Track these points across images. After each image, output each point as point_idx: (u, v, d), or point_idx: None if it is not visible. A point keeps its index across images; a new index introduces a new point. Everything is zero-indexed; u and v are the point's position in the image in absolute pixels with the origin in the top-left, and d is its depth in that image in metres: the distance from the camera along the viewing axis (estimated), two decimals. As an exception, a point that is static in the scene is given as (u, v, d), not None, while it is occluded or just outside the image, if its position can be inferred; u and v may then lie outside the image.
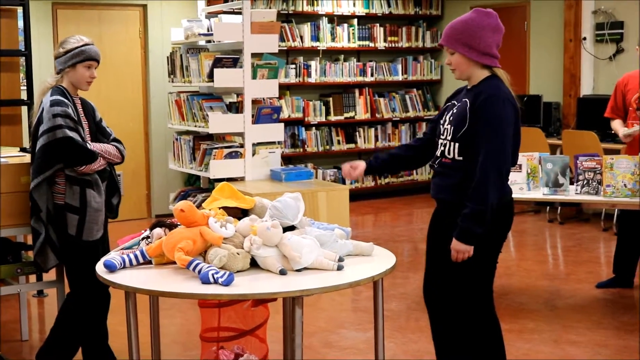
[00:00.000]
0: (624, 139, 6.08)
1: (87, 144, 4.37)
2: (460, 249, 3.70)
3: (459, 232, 3.69)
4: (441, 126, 3.89)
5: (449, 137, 3.79)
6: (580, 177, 5.64)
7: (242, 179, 7.19)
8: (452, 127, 3.77)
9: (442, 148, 3.82)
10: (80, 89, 4.51)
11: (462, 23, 3.78)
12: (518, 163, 5.73)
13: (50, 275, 5.23)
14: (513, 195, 5.41)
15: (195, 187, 8.60)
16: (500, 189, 3.72)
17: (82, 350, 4.65)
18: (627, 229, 6.35)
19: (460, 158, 3.75)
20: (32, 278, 5.85)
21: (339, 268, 3.33)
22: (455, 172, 3.78)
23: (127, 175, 9.15)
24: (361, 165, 4.12)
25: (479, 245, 3.73)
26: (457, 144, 3.75)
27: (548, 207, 9.49)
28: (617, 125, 6.24)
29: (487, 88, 3.75)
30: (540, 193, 5.73)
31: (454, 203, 3.77)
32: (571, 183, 5.75)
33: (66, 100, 4.35)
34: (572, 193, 5.68)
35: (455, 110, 3.82)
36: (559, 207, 9.31)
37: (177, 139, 7.88)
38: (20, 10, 6.70)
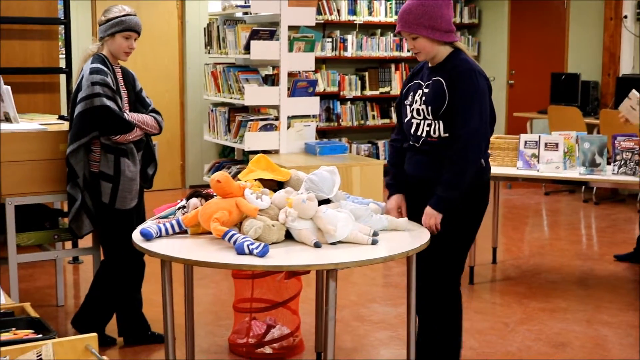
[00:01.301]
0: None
1: (125, 114, 4.39)
2: (433, 216, 3.69)
3: (435, 201, 3.69)
4: (408, 107, 3.85)
5: (429, 117, 3.75)
6: (618, 157, 5.58)
7: (276, 151, 7.21)
8: (429, 107, 3.73)
9: (427, 128, 3.77)
10: (119, 59, 4.53)
11: (419, 6, 3.71)
12: (554, 142, 5.70)
13: (87, 242, 5.30)
14: (549, 174, 5.39)
15: (230, 158, 8.64)
16: (477, 161, 3.72)
17: (116, 318, 4.72)
18: None
19: (447, 135, 3.73)
20: (68, 245, 5.92)
21: (374, 242, 3.33)
22: (443, 149, 3.74)
23: (162, 145, 9.20)
24: (398, 200, 3.97)
25: (456, 222, 3.75)
26: (441, 122, 3.73)
27: (583, 187, 9.40)
28: None
29: (459, 63, 3.74)
30: (576, 172, 5.68)
31: (434, 179, 3.75)
32: (608, 163, 5.70)
33: (106, 69, 4.38)
34: (609, 173, 5.62)
35: (426, 90, 3.78)
36: (594, 187, 9.23)
37: (212, 111, 7.91)
38: (60, -21, 6.74)
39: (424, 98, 3.78)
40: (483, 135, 3.72)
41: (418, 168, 3.86)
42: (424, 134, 3.79)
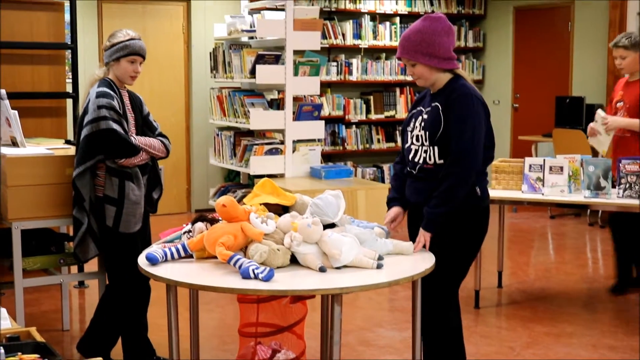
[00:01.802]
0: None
1: (131, 137, 4.41)
2: (422, 234, 3.72)
3: (425, 220, 3.72)
4: (409, 133, 3.91)
5: (426, 143, 3.79)
6: (623, 181, 5.58)
7: (281, 175, 7.22)
8: (427, 132, 3.78)
9: (423, 154, 3.81)
10: (125, 83, 4.56)
11: (416, 33, 3.77)
12: (559, 165, 5.70)
13: (92, 267, 5.30)
14: (553, 197, 5.40)
15: (235, 182, 8.66)
16: (467, 179, 3.72)
17: (122, 342, 4.71)
18: (620, 231, 6.43)
19: (442, 161, 3.76)
20: (74, 269, 5.93)
21: (379, 267, 3.34)
22: (437, 175, 3.76)
23: (168, 169, 9.23)
24: (396, 211, 4.00)
25: (451, 247, 3.77)
26: (436, 148, 3.76)
27: (589, 210, 9.38)
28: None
29: (457, 88, 3.79)
30: (581, 196, 5.68)
31: None
32: (613, 186, 5.70)
33: (112, 93, 4.40)
34: (614, 196, 5.62)
35: (425, 117, 3.83)
36: (600, 211, 9.20)
37: (218, 135, 7.94)
38: (67, 4, 6.79)
39: (422, 124, 3.83)
40: (474, 156, 3.73)
41: (416, 195, 3.90)
42: (420, 161, 3.83)
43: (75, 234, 4.52)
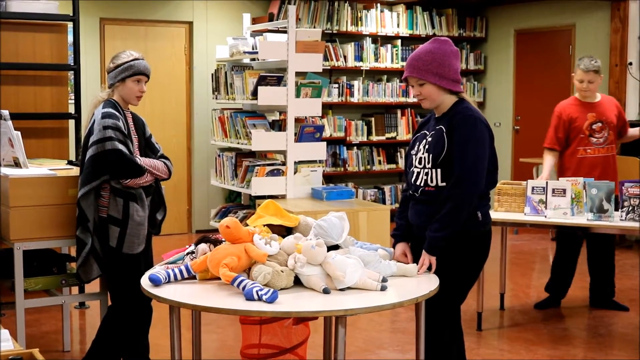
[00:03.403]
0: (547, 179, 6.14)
1: (136, 158, 4.42)
2: (425, 257, 3.72)
3: (427, 243, 3.72)
4: (414, 156, 3.91)
5: (428, 165, 3.80)
6: (625, 204, 5.57)
7: (283, 196, 7.21)
8: (431, 155, 3.79)
9: (425, 177, 3.82)
10: (130, 104, 4.56)
11: (428, 53, 3.80)
12: (562, 188, 5.70)
13: (94, 287, 5.29)
14: (556, 220, 5.40)
15: (237, 203, 8.65)
16: (469, 202, 3.73)
17: (123, 363, 4.69)
18: (565, 248, 6.60)
19: (444, 184, 3.77)
20: (75, 289, 5.91)
21: (383, 288, 3.33)
22: (439, 198, 3.77)
23: (169, 190, 9.21)
24: (403, 247, 3.98)
25: (451, 271, 3.76)
26: (438, 170, 3.77)
27: (590, 233, 9.36)
28: (550, 162, 6.40)
29: (461, 110, 3.80)
30: (584, 219, 5.68)
31: None
32: (616, 209, 5.69)
33: (117, 114, 4.41)
34: (616, 219, 5.61)
35: (430, 139, 3.85)
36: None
37: (219, 155, 7.94)
38: (70, 25, 6.82)
39: (427, 147, 3.84)
40: (476, 179, 3.73)
41: (418, 217, 3.90)
42: (421, 183, 3.84)
43: (79, 255, 4.51)
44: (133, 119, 4.60)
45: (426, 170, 3.81)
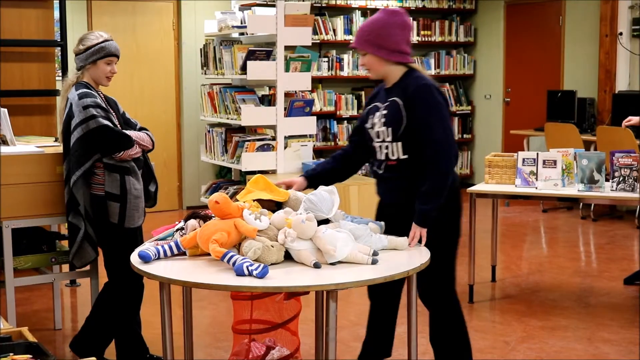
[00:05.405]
0: None
1: (122, 131, 4.39)
2: (416, 229, 3.71)
3: (417, 216, 3.71)
4: (371, 130, 3.91)
5: (388, 139, 3.80)
6: (616, 174, 5.57)
7: (273, 171, 7.19)
8: (389, 128, 3.79)
9: (385, 151, 3.83)
10: (101, 84, 4.53)
11: (369, 24, 3.81)
12: (552, 159, 5.69)
13: (84, 265, 5.27)
14: (547, 191, 5.43)
15: (227, 179, 8.63)
16: (450, 170, 3.77)
17: (115, 340, 4.67)
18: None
19: (406, 156, 3.79)
20: (66, 267, 5.88)
21: (374, 262, 3.31)
22: (403, 172, 3.80)
23: (159, 166, 9.18)
24: (298, 181, 4.04)
25: (438, 234, 3.78)
26: (399, 143, 3.78)
27: (581, 204, 9.38)
28: None
29: (413, 80, 3.79)
30: (575, 189, 5.67)
31: (407, 204, 3.78)
32: (606, 179, 5.69)
33: (93, 92, 4.39)
34: (607, 190, 5.61)
35: (384, 112, 3.83)
36: (592, 204, 9.21)
37: (209, 131, 7.90)
38: (56, 1, 6.75)
39: (383, 120, 3.83)
40: (450, 144, 3.75)
41: (389, 194, 3.94)
42: (383, 157, 3.85)
43: (73, 241, 4.47)
44: (105, 98, 4.56)
45: (386, 144, 3.82)
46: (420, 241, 3.70)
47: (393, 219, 3.83)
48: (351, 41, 3.99)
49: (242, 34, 7.74)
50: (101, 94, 4.53)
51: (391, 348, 4.42)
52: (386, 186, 3.93)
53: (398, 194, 3.86)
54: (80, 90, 4.36)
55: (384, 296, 4.28)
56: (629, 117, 6.81)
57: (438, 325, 4.03)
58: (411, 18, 3.98)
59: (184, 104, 9.87)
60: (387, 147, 3.82)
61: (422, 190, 3.71)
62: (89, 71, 4.47)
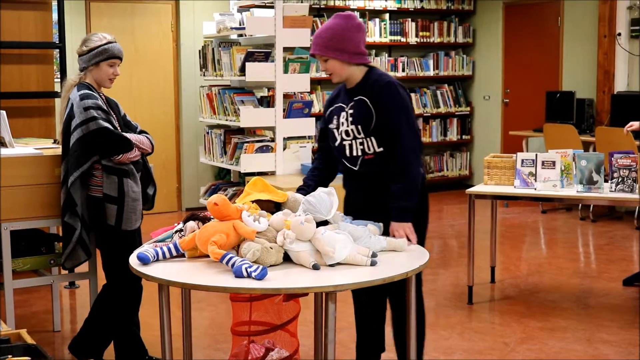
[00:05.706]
0: None
1: (122, 133, 4.39)
2: (402, 227, 3.77)
3: (396, 213, 3.78)
4: (335, 130, 3.96)
5: (360, 135, 3.87)
6: (615, 175, 5.57)
7: (272, 173, 7.19)
8: (359, 126, 3.86)
9: (361, 146, 3.90)
10: (103, 86, 4.53)
11: (327, 30, 3.89)
12: (551, 160, 5.69)
13: (83, 267, 5.24)
14: (546, 192, 5.45)
15: (226, 180, 8.63)
16: (420, 166, 3.88)
17: (113, 342, 4.67)
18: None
19: (381, 149, 3.87)
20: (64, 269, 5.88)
21: (373, 264, 3.31)
22: (381, 164, 3.88)
23: (158, 168, 9.19)
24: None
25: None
26: (372, 138, 3.86)
27: (580, 205, 9.39)
28: None
29: (377, 78, 3.89)
30: (574, 190, 5.67)
31: (379, 201, 3.89)
32: (605, 180, 5.69)
33: (95, 94, 4.39)
34: (606, 191, 5.61)
35: (352, 111, 3.90)
36: (591, 205, 9.21)
37: (208, 133, 7.90)
38: (55, 2, 6.75)
39: (351, 119, 3.90)
40: (417, 142, 3.86)
41: (363, 193, 4.00)
42: (359, 153, 3.91)
43: (68, 242, 4.47)
44: (107, 100, 4.56)
45: (359, 140, 3.88)
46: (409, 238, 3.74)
47: (363, 215, 3.86)
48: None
49: (240, 35, 7.74)
50: (103, 96, 4.53)
51: (383, 343, 4.43)
52: (363, 185, 3.99)
53: (376, 192, 3.92)
54: (82, 91, 4.36)
55: (368, 297, 4.32)
56: (631, 123, 6.78)
57: (403, 324, 4.02)
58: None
59: (182, 105, 9.87)
60: (361, 143, 3.89)
61: (395, 188, 3.79)
62: (92, 73, 4.47)
